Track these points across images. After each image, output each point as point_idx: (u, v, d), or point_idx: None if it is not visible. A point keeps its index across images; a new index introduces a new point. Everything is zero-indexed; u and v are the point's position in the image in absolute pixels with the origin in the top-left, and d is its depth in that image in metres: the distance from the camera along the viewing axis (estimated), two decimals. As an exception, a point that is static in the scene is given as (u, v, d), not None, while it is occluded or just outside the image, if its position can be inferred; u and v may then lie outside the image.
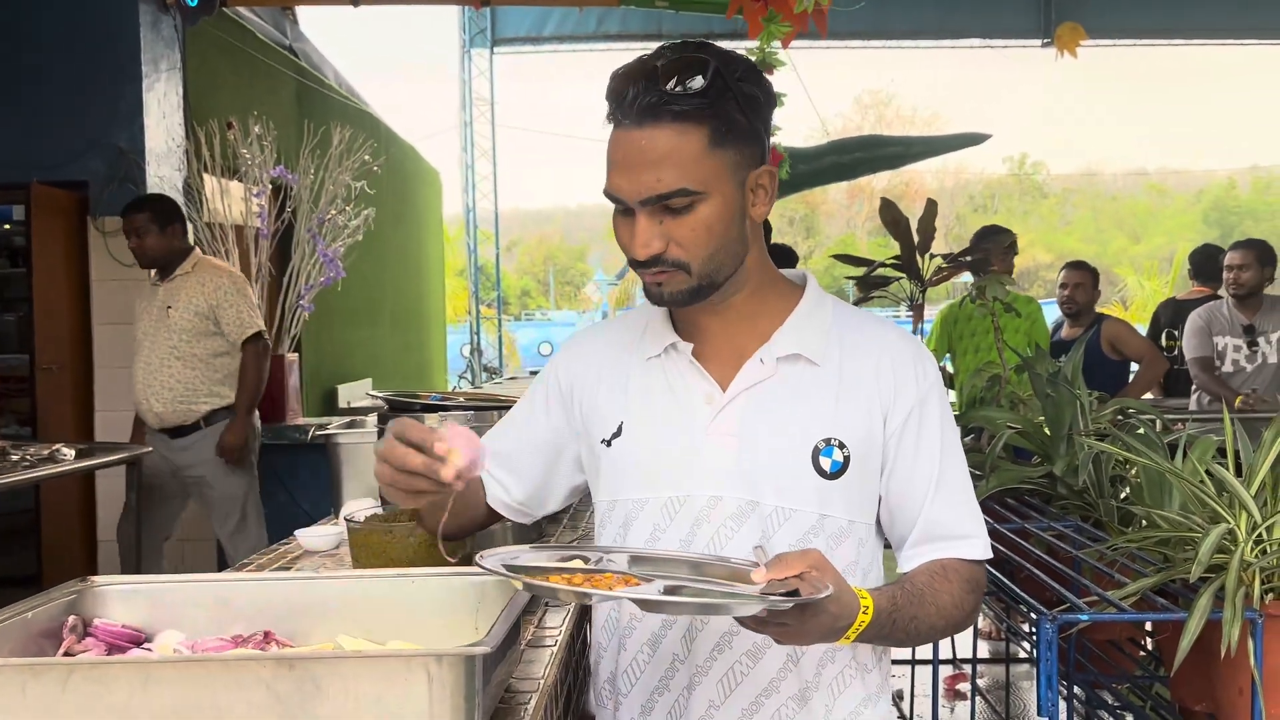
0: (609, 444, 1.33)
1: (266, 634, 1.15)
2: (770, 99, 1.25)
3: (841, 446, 1.26)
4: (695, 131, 1.18)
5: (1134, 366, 5.16)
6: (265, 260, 4.99)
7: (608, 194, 1.25)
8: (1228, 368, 4.88)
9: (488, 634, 1.04)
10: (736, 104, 1.19)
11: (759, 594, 1.03)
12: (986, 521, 1.45)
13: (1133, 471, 2.51)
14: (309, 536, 1.96)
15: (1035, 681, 1.89)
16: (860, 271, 3.96)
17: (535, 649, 1.32)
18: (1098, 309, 5.28)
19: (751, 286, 1.31)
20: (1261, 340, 4.87)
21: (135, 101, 4.85)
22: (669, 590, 1.06)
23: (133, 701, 0.95)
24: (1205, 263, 5.78)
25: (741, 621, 1.08)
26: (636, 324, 1.39)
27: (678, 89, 1.17)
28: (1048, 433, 2.62)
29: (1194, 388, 4.96)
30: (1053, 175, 52.88)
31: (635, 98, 1.18)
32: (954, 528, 1.30)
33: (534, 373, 8.19)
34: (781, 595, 1.02)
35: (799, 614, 1.05)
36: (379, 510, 1.79)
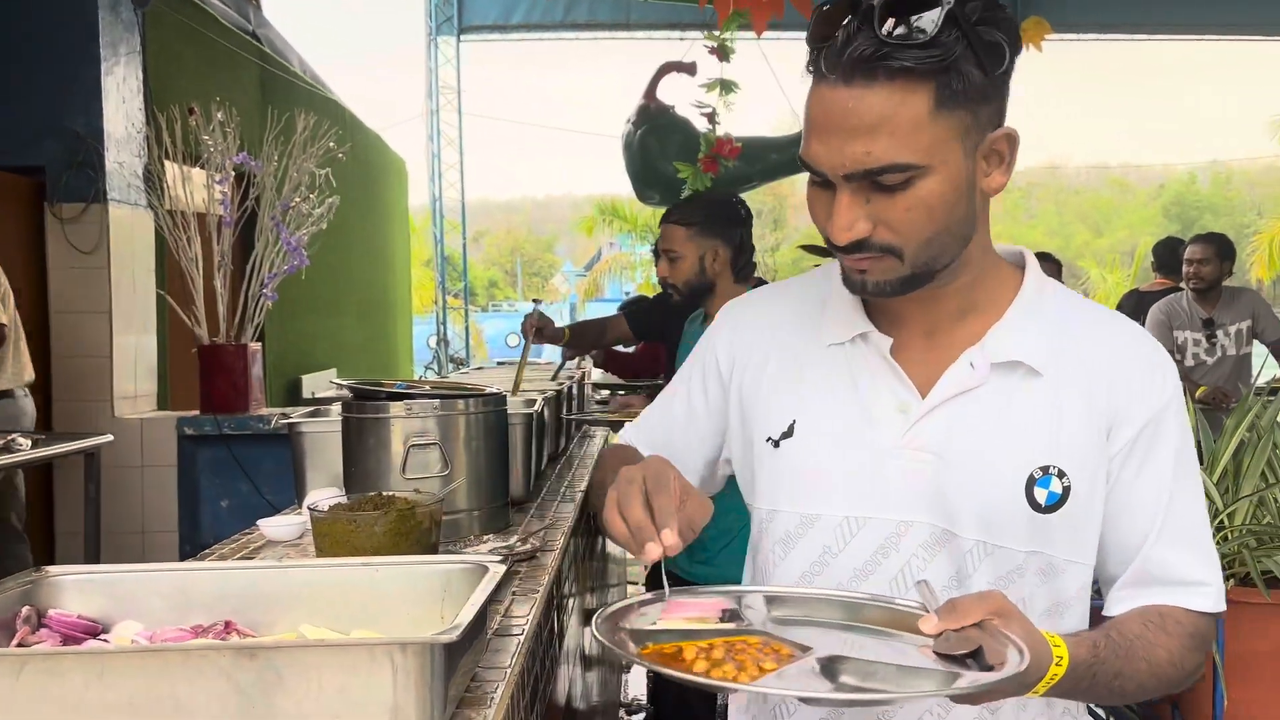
0: (776, 444, 1.13)
1: (227, 624, 1.13)
2: (1015, 43, 0.98)
3: (1061, 476, 1.04)
4: (919, 92, 0.94)
5: None
6: (228, 248, 4.92)
7: (802, 160, 1.02)
8: (1188, 361, 4.93)
9: (454, 622, 1.02)
10: (973, 54, 0.95)
11: (939, 664, 0.89)
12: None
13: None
14: (272, 526, 1.93)
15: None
16: (828, 262, 3.97)
17: (503, 638, 1.30)
18: None
19: (972, 274, 1.08)
20: (1220, 333, 4.93)
21: (93, 85, 4.76)
22: (826, 664, 0.90)
23: (88, 694, 0.93)
24: (1167, 255, 5.86)
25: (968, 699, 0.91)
26: (814, 296, 1.17)
27: (899, 36, 0.93)
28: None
29: None
30: (1017, 169, 53.33)
31: (844, 46, 0.94)
32: (1181, 571, 1.07)
33: (501, 363, 8.18)
34: (965, 661, 0.88)
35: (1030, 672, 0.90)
36: (343, 499, 1.77)
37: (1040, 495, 1.04)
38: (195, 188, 5.00)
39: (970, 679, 0.87)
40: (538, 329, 3.24)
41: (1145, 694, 1.06)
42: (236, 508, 4.87)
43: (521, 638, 1.27)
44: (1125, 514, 1.07)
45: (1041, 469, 1.04)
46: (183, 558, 4.82)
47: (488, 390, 2.01)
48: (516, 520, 2.09)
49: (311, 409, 2.31)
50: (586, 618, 2.72)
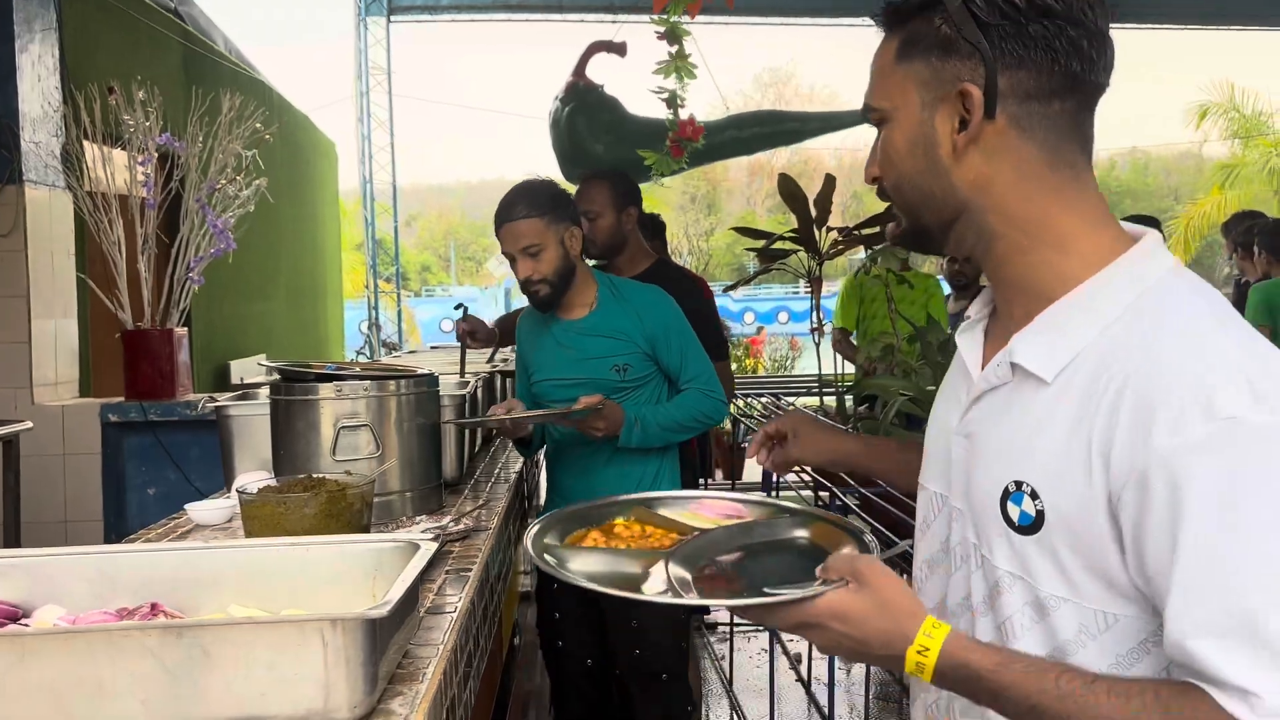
0: None
1: (154, 606, 1.12)
2: (1017, 8, 0.95)
3: (1034, 496, 0.96)
4: (892, 40, 1.02)
5: None
6: (152, 231, 4.80)
7: None
8: None
9: (384, 598, 1.02)
10: (943, 8, 0.97)
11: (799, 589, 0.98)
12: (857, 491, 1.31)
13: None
14: (200, 510, 1.90)
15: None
16: (760, 244, 4.01)
17: (436, 615, 1.31)
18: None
19: (1004, 248, 1.01)
20: None
21: (7, 63, 4.60)
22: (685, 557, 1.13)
23: (8, 679, 0.92)
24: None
25: (756, 617, 1.03)
26: None
27: None
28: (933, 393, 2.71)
29: None
30: (947, 154, 54.22)
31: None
32: (1211, 667, 0.84)
33: (435, 348, 8.12)
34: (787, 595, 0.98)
35: (813, 614, 0.96)
36: (272, 482, 1.75)
37: (1013, 512, 0.98)
38: (116, 169, 4.87)
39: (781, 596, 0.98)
40: (470, 333, 3.23)
41: None
42: (164, 495, 4.78)
43: (454, 615, 1.28)
44: (1144, 579, 0.90)
45: (1015, 483, 0.97)
46: (108, 548, 4.72)
47: (419, 371, 2.00)
48: (450, 501, 2.09)
49: (239, 393, 2.27)
50: (522, 597, 2.73)
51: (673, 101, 3.26)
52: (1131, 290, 0.95)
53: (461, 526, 1.76)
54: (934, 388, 2.75)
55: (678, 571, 1.09)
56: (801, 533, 1.23)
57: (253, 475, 1.98)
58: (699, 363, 2.58)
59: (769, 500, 1.39)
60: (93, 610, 1.14)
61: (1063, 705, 0.88)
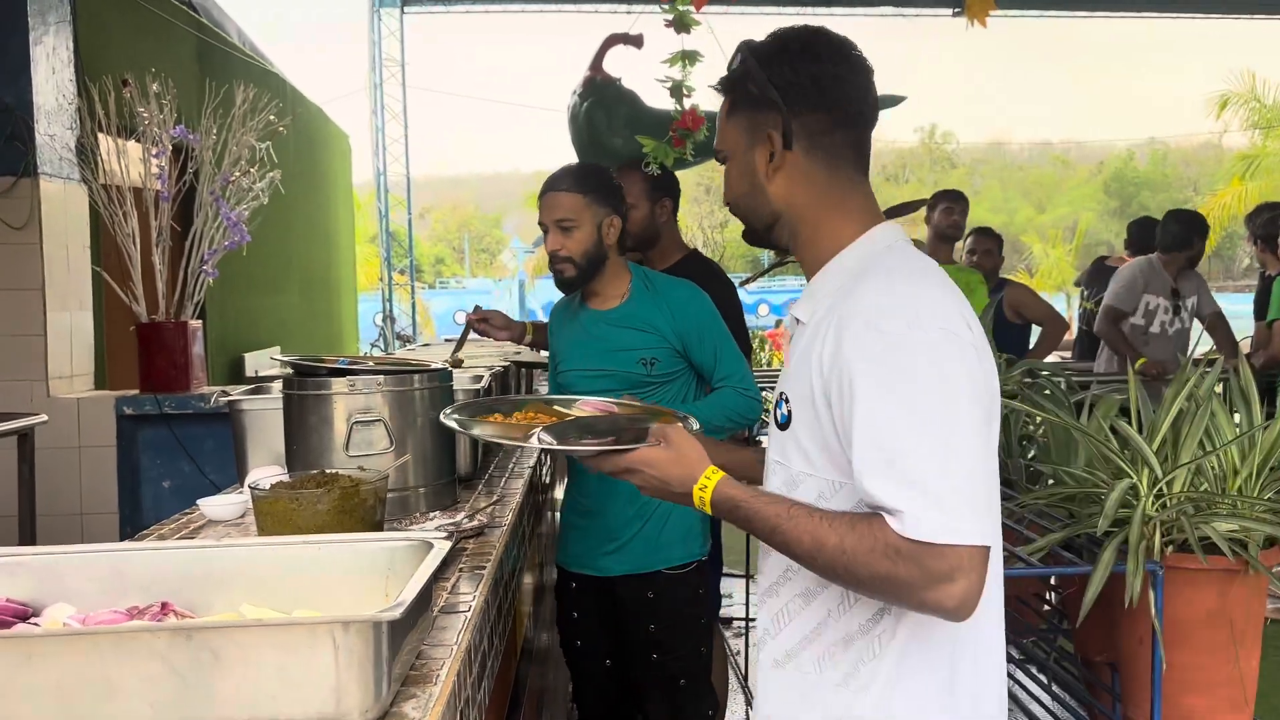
0: None
1: (164, 605, 1.10)
2: (803, 70, 1.37)
3: (787, 401, 1.36)
4: (726, 101, 1.45)
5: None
6: (166, 224, 4.80)
7: None
8: (1155, 329, 4.96)
9: (397, 599, 1.00)
10: (754, 78, 1.38)
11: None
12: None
13: (1040, 432, 2.57)
14: (213, 506, 1.89)
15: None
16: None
17: (449, 615, 1.29)
18: (1002, 275, 5.39)
19: (802, 240, 1.43)
20: (1182, 305, 5.00)
21: (21, 55, 4.60)
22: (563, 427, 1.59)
23: (16, 679, 0.90)
24: (1142, 234, 5.85)
25: (594, 465, 1.43)
26: None
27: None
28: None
29: (1101, 348, 5.09)
30: (962, 145, 53.94)
31: None
32: (879, 499, 1.19)
33: (449, 340, 8.10)
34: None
35: (630, 460, 1.38)
36: (285, 477, 1.73)
37: (778, 415, 1.38)
38: (131, 161, 4.87)
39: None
40: (483, 319, 3.01)
41: (821, 570, 1.26)
42: (179, 488, 4.78)
43: (468, 614, 1.26)
44: (847, 444, 1.27)
45: (780, 395, 1.38)
46: (123, 539, 4.72)
47: (433, 366, 1.98)
48: (464, 497, 2.07)
49: (253, 386, 2.26)
50: (537, 596, 2.71)
51: (677, 91, 3.21)
52: (860, 260, 1.35)
53: (475, 523, 1.75)
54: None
55: (546, 436, 1.47)
56: (650, 423, 1.53)
57: (265, 470, 1.96)
58: (734, 360, 2.52)
59: (636, 403, 1.95)
60: (103, 609, 1.13)
61: (791, 524, 1.26)
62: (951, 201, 4.85)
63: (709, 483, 1.35)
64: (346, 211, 11.02)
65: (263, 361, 7.24)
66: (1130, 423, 1.89)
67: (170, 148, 4.90)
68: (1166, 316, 4.96)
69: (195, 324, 5.02)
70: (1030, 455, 2.47)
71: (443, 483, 1.94)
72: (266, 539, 1.35)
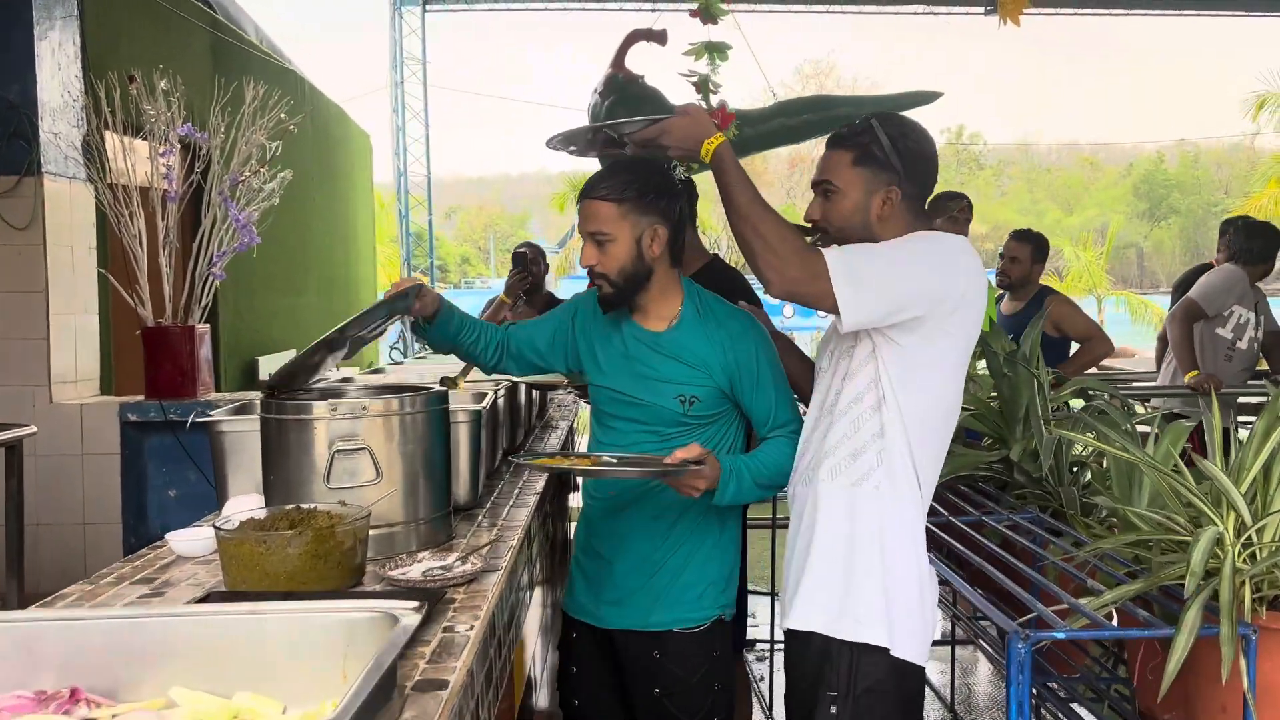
0: None
1: (74, 692, 0.92)
2: (911, 148, 2.00)
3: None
4: (844, 152, 2.02)
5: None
6: (174, 225, 4.65)
7: None
8: (1243, 344, 4.65)
9: (350, 694, 0.81)
10: (880, 145, 1.98)
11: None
12: (938, 511, 2.14)
13: (1091, 456, 2.35)
14: (182, 541, 1.71)
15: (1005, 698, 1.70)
16: (810, 240, 3.75)
17: (425, 694, 1.09)
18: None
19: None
20: (1260, 321, 4.70)
21: (26, 51, 4.47)
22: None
23: None
24: (1248, 239, 5.46)
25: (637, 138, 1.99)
26: None
27: None
28: (1001, 413, 2.46)
29: (1166, 359, 4.78)
30: (989, 146, 53.44)
31: None
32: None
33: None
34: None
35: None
36: (257, 514, 1.55)
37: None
38: (138, 160, 4.72)
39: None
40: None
41: (757, 225, 1.86)
42: (185, 497, 4.63)
43: (447, 694, 1.07)
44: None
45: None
46: (127, 550, 4.57)
47: (427, 386, 1.79)
48: (462, 530, 1.88)
49: (236, 405, 2.08)
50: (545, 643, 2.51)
51: (703, 86, 2.95)
52: None
53: (468, 567, 1.56)
54: (995, 398, 2.50)
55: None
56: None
57: (245, 501, 1.79)
58: (788, 406, 2.20)
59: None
60: (7, 693, 0.94)
61: (763, 209, 1.85)
62: (954, 203, 4.47)
63: (717, 140, 1.90)
64: (367, 211, 10.89)
65: (277, 364, 7.10)
66: (1209, 451, 1.68)
67: (178, 146, 4.75)
68: (1254, 333, 4.65)
69: (203, 328, 4.87)
70: (1084, 484, 2.26)
71: (436, 517, 1.76)
72: (203, 608, 1.16)
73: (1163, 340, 5.03)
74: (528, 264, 5.50)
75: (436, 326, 2.10)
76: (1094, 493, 2.16)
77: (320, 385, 1.77)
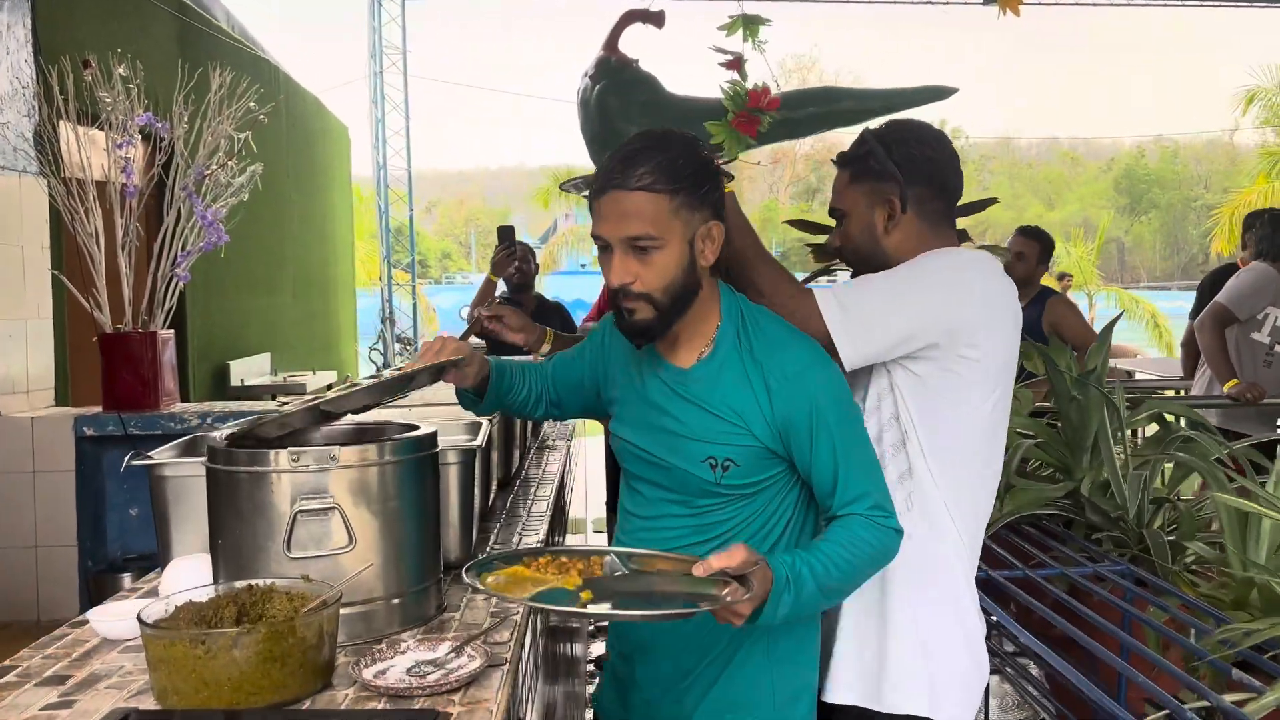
0: None
1: None
2: (910, 152, 1.86)
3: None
4: (844, 172, 1.94)
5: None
6: (133, 222, 4.30)
7: None
8: None
9: None
10: (876, 158, 1.87)
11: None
12: (994, 555, 1.79)
13: (1172, 490, 2.06)
14: (107, 621, 1.39)
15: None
16: (821, 239, 3.46)
17: None
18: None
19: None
20: None
21: (-30, 34, 4.11)
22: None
23: None
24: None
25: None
26: None
27: None
28: (1065, 441, 2.16)
29: (1201, 367, 4.49)
30: (971, 141, 53.53)
31: None
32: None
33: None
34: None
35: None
36: (201, 595, 1.23)
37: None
38: (95, 152, 4.38)
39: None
40: (496, 317, 2.33)
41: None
42: (147, 516, 4.29)
43: None
44: None
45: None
46: (84, 574, 4.23)
47: (412, 430, 1.47)
48: (453, 598, 1.56)
49: (183, 441, 1.75)
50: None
51: (738, 65, 2.62)
52: None
53: (465, 664, 1.24)
54: (1059, 423, 2.20)
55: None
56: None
57: (189, 567, 1.47)
58: (866, 473, 1.58)
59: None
60: None
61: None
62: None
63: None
64: (345, 206, 10.52)
65: (250, 369, 6.75)
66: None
67: (139, 137, 4.41)
68: None
69: (166, 334, 4.54)
70: (1170, 526, 1.96)
71: (423, 588, 1.44)
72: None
73: (1189, 346, 4.75)
74: (514, 239, 5.21)
75: (485, 400, 1.68)
76: (1184, 535, 1.86)
77: (278, 415, 1.44)
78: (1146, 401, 2.20)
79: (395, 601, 1.38)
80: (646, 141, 1.58)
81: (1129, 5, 12.01)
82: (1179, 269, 48.69)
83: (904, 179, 1.80)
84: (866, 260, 1.86)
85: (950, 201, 1.85)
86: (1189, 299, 4.85)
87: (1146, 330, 16.91)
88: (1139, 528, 1.95)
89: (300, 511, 1.31)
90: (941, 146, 1.86)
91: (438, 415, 2.12)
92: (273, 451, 1.32)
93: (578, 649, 3.95)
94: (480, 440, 1.73)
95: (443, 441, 1.57)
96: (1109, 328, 2.24)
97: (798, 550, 1.53)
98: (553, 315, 5.46)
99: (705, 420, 1.60)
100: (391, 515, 1.36)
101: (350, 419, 1.53)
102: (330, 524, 1.32)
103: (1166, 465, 1.97)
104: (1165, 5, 12.50)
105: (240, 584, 1.26)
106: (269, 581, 1.27)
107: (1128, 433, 2.03)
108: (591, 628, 4.71)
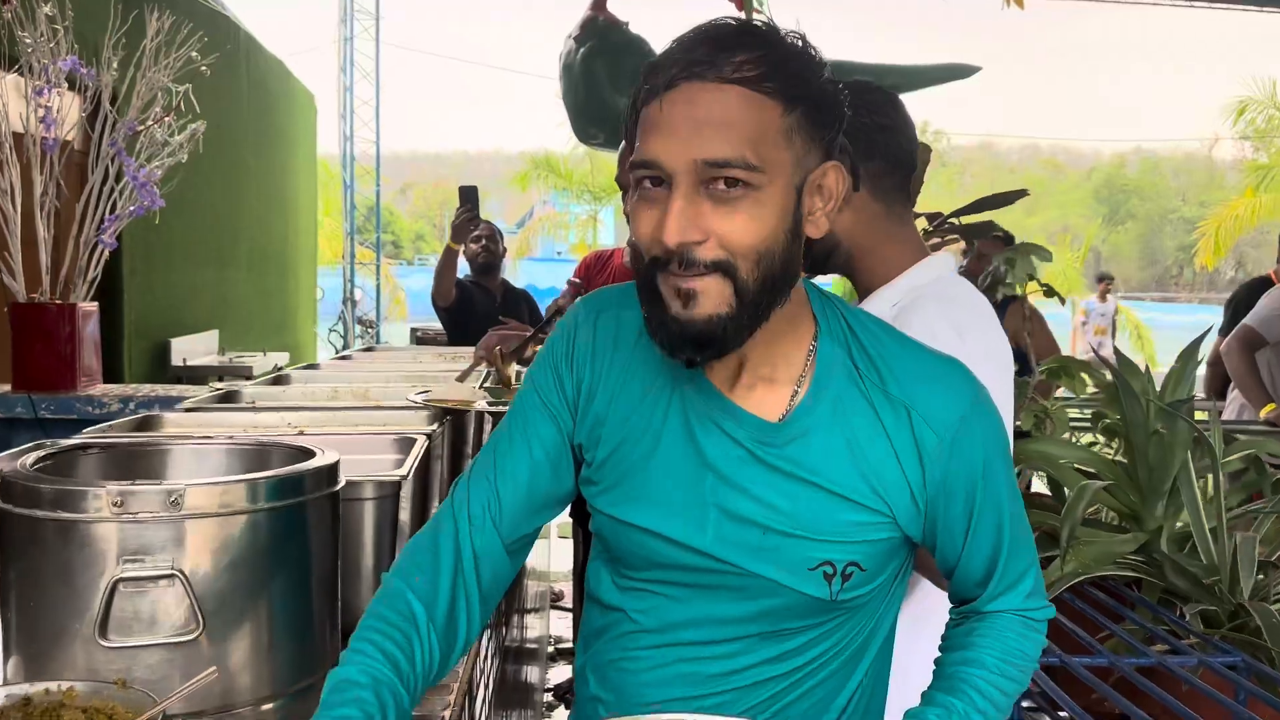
0: None
1: None
2: (859, 122, 1.51)
3: None
4: None
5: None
6: (52, 180, 3.85)
7: None
8: None
9: None
10: None
11: None
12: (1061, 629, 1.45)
13: (1273, 554, 1.68)
14: None
15: None
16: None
17: None
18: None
19: (858, 263, 1.64)
20: None
21: None
22: None
23: None
24: None
25: None
26: None
27: None
28: (1137, 483, 1.77)
29: (1232, 391, 4.14)
30: (952, 145, 53.57)
31: None
32: None
33: (415, 330, 7.18)
34: None
35: None
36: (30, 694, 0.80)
37: None
38: (11, 100, 3.92)
39: None
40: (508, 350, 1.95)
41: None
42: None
43: None
44: None
45: None
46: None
47: (304, 458, 1.05)
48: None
49: (33, 446, 1.31)
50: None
51: (746, 3, 2.27)
52: (910, 292, 1.54)
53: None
54: (1127, 461, 1.81)
55: None
56: None
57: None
58: (1028, 546, 1.08)
59: None
60: None
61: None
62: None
63: None
64: (309, 178, 10.03)
65: (195, 347, 6.28)
66: None
67: (64, 85, 3.96)
68: None
69: (89, 306, 4.10)
70: (1275, 595, 1.58)
71: (307, 685, 1.02)
72: None
73: (1215, 366, 4.40)
74: (477, 200, 4.79)
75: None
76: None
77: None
78: (1237, 440, 1.80)
79: (266, 710, 0.96)
80: (745, 26, 0.98)
81: (1110, 3, 11.74)
82: (1154, 280, 49.01)
83: (854, 153, 1.36)
84: (816, 244, 1.49)
85: (906, 175, 1.61)
86: (1164, 310, 4.51)
87: (1130, 341, 16.69)
88: (1234, 598, 1.56)
89: (121, 580, 0.88)
90: (895, 113, 1.60)
91: (365, 422, 1.70)
92: (88, 488, 0.90)
93: (533, 674, 3.54)
94: (410, 466, 1.30)
95: (354, 471, 1.15)
96: (1194, 346, 1.84)
97: (936, 692, 1.05)
98: (519, 303, 5.04)
99: (819, 504, 1.01)
100: (261, 585, 0.94)
101: (225, 436, 1.10)
102: (166, 600, 0.90)
103: (1269, 519, 1.58)
104: (1144, 4, 12.24)
105: (22, 688, 0.84)
106: (65, 685, 0.85)
107: (1222, 477, 1.64)
108: (552, 649, 4.29)
